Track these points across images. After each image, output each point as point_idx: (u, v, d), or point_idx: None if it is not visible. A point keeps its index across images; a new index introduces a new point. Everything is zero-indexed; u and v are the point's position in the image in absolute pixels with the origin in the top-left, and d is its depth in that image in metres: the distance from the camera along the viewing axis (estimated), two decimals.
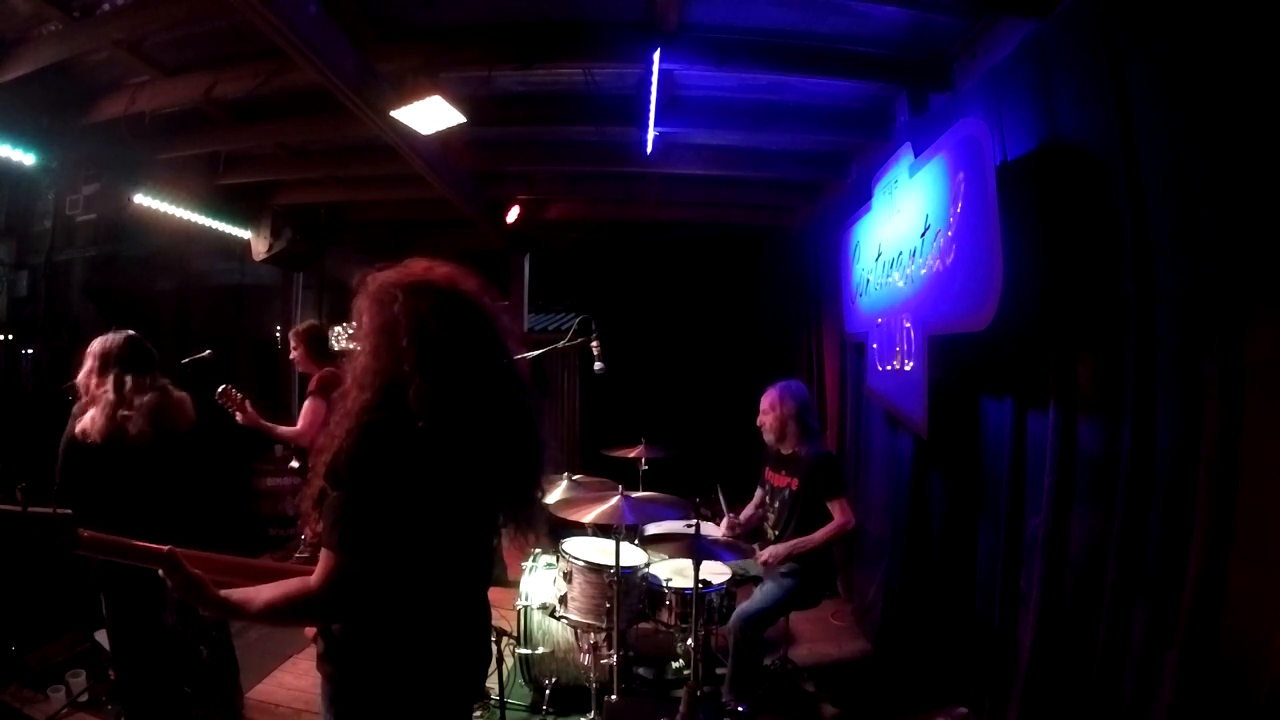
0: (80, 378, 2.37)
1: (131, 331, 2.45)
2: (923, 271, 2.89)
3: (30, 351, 7.26)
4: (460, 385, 1.25)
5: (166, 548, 1.19)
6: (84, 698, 2.84)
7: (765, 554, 3.01)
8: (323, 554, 1.17)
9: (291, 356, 3.71)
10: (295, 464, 3.63)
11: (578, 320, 3.50)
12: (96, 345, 2.39)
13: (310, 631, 1.36)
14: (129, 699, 2.43)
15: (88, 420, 2.25)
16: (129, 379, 2.32)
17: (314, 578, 1.17)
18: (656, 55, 2.95)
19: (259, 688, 3.07)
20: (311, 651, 1.35)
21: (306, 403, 3.44)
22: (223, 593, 1.20)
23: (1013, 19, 2.61)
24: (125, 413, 2.26)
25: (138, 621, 2.32)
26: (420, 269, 1.35)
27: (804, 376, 5.19)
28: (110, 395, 2.28)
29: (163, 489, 2.28)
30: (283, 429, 3.41)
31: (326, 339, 3.77)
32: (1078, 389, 2.25)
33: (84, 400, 2.33)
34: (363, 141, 4.29)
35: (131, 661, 2.37)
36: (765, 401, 3.23)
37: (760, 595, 2.98)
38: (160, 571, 1.19)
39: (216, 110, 3.89)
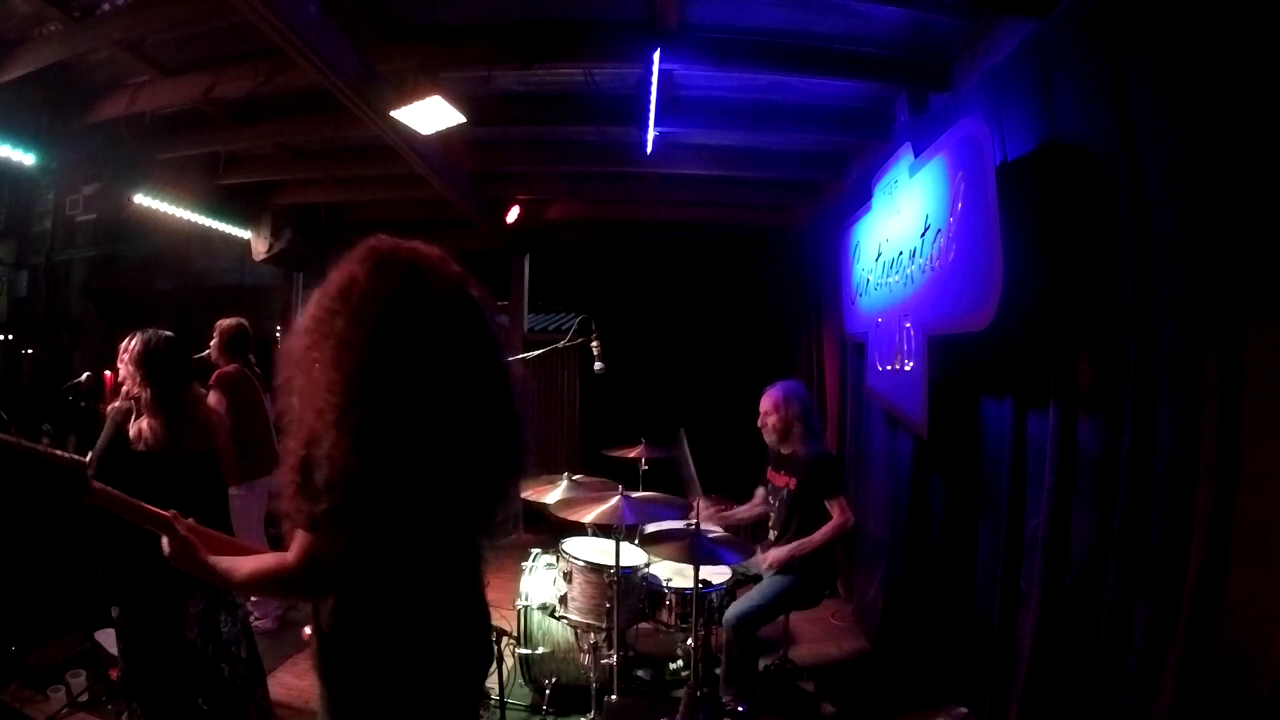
0: (124, 379, 2.21)
1: (170, 333, 2.29)
2: (923, 272, 2.89)
3: (30, 351, 7.28)
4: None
5: (170, 511, 1.26)
6: (84, 698, 2.83)
7: (768, 559, 3.01)
8: (298, 533, 1.15)
9: (210, 344, 3.65)
10: None
11: (578, 320, 3.51)
12: (139, 345, 2.20)
13: (306, 633, 1.36)
14: (143, 711, 2.28)
15: (146, 428, 2.13)
16: (178, 391, 2.21)
17: (290, 554, 1.16)
18: (656, 55, 2.95)
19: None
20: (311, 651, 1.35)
21: (210, 396, 3.39)
22: (209, 559, 1.27)
23: (1013, 19, 2.61)
24: (185, 425, 2.20)
25: (155, 636, 2.21)
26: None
27: (804, 376, 5.19)
28: (162, 405, 2.17)
29: (195, 501, 2.22)
30: None
31: (247, 342, 3.72)
32: (1078, 389, 2.25)
33: (125, 402, 2.19)
34: (363, 141, 4.29)
35: (144, 675, 2.24)
36: (767, 402, 3.22)
37: (754, 593, 2.98)
38: (163, 538, 1.27)
39: (216, 110, 3.89)
